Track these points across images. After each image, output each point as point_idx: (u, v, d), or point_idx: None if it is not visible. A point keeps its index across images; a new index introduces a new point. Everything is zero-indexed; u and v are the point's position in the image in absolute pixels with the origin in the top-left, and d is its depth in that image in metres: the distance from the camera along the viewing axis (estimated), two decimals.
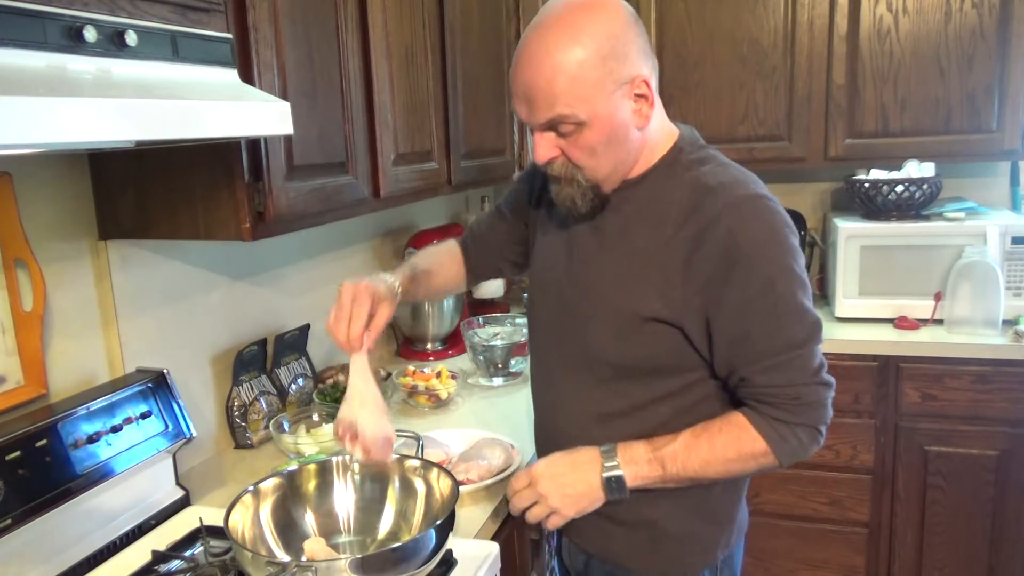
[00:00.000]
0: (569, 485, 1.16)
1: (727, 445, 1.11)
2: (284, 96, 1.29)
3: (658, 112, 1.13)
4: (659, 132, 1.14)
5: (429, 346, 2.31)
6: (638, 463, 1.13)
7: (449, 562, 1.17)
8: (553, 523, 1.19)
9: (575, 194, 1.12)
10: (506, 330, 2.17)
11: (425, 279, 1.38)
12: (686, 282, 1.08)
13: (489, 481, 1.42)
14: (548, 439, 1.28)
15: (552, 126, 1.06)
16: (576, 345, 1.19)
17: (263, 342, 1.74)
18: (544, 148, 1.09)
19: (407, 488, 1.23)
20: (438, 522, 1.05)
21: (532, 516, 1.20)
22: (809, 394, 1.09)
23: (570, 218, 1.19)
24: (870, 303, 2.38)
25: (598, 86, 1.02)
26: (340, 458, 1.25)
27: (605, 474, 1.13)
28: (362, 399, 1.14)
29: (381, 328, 1.18)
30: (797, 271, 1.07)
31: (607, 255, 1.16)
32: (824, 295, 2.77)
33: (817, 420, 1.10)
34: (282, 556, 1.13)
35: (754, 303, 1.06)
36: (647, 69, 1.06)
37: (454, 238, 1.54)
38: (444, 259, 1.48)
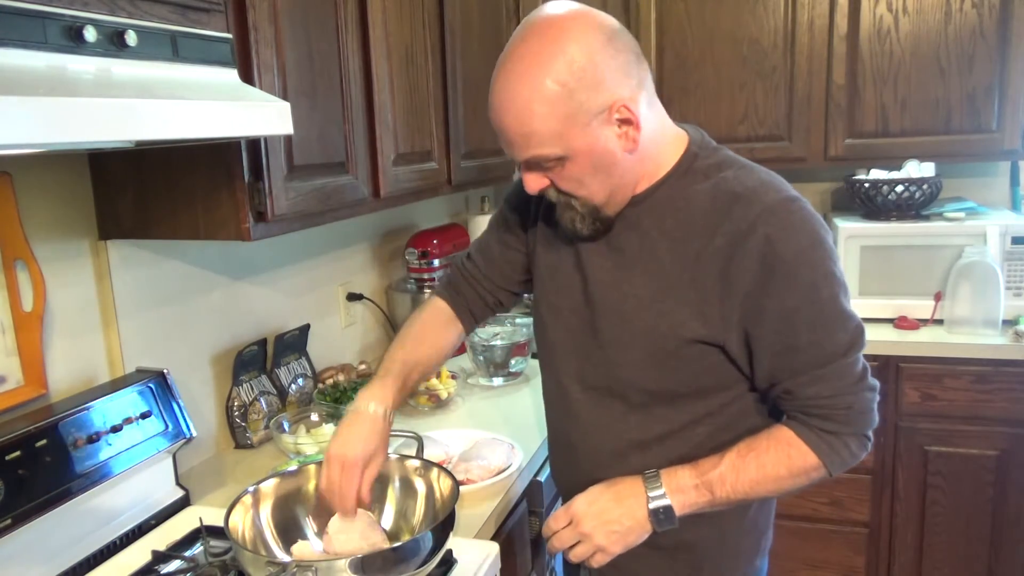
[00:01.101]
0: (615, 521, 1.09)
1: (777, 463, 1.06)
2: (284, 96, 1.29)
3: (656, 121, 1.06)
4: (664, 141, 1.08)
5: None
6: (685, 491, 1.07)
7: (449, 562, 1.17)
8: (598, 561, 1.11)
9: (575, 217, 1.08)
10: (506, 330, 2.17)
11: (419, 370, 1.27)
12: (724, 297, 1.02)
13: (489, 481, 1.42)
14: (574, 469, 1.22)
15: (534, 164, 1.04)
16: (603, 372, 1.14)
17: (263, 342, 1.74)
18: (532, 182, 1.06)
19: (407, 488, 1.23)
20: (438, 522, 1.05)
21: (575, 556, 1.12)
22: (859, 402, 1.05)
23: (576, 239, 1.14)
24: (870, 303, 2.38)
25: (570, 121, 0.97)
26: None
27: (651, 505, 1.07)
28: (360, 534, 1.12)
29: (374, 478, 1.14)
30: (838, 275, 1.03)
31: (630, 275, 1.09)
32: None
33: (866, 426, 1.07)
34: (282, 556, 1.13)
35: (798, 312, 1.01)
36: (628, 90, 0.99)
37: (433, 294, 1.39)
38: (430, 332, 1.33)
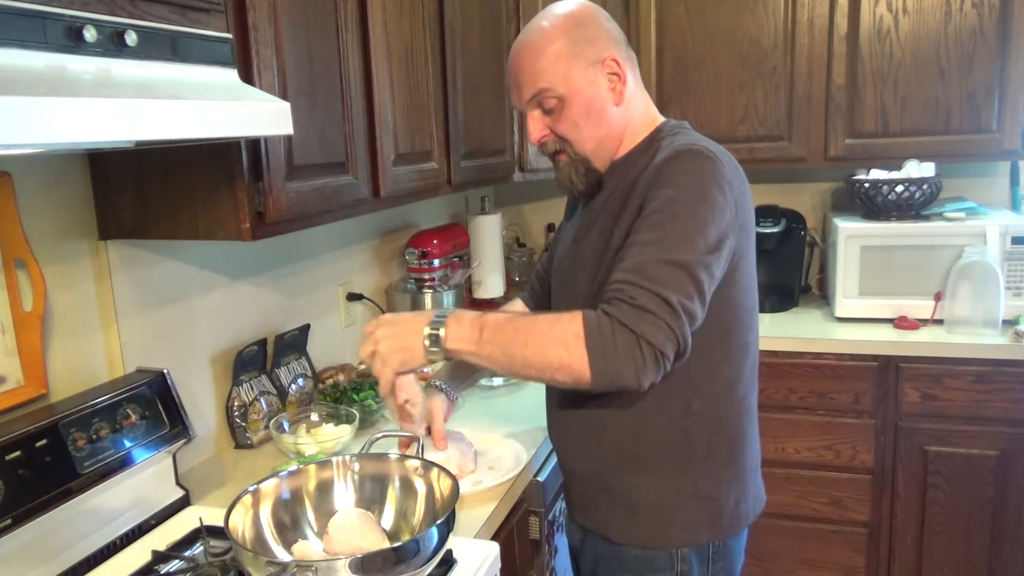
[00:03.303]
0: (400, 333, 1.14)
1: (545, 320, 1.08)
2: (284, 96, 1.29)
3: (640, 99, 1.27)
4: (643, 118, 1.27)
5: None
6: (461, 322, 1.11)
7: (449, 562, 1.18)
8: (379, 372, 1.16)
9: (570, 171, 1.25)
10: None
11: None
12: (621, 227, 1.15)
13: (492, 484, 1.42)
14: (551, 427, 1.39)
15: (538, 103, 1.22)
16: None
17: (263, 342, 1.74)
18: (535, 127, 1.24)
19: (407, 488, 1.23)
20: (438, 522, 1.05)
21: (361, 353, 1.18)
22: (645, 301, 1.02)
23: (575, 200, 1.31)
24: (870, 303, 2.38)
25: (572, 63, 1.19)
26: (340, 458, 1.25)
27: (431, 320, 1.13)
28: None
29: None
30: (709, 199, 1.08)
31: (592, 230, 1.24)
32: (824, 295, 2.77)
33: (643, 329, 1.01)
34: (282, 556, 1.13)
35: (654, 214, 1.09)
36: (619, 53, 1.22)
37: (517, 298, 1.62)
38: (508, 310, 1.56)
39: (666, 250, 1.05)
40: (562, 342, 1.04)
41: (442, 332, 1.11)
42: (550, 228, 3.10)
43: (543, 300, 1.54)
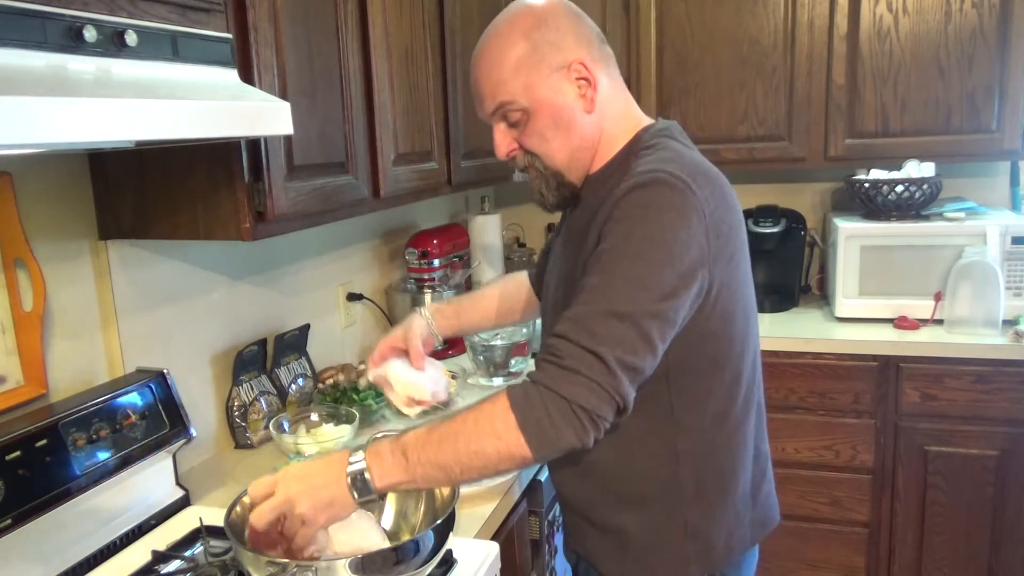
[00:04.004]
0: (315, 488, 0.98)
1: (468, 417, 0.97)
2: (284, 96, 1.29)
3: (618, 102, 1.16)
4: (622, 123, 1.16)
5: None
6: (382, 455, 0.98)
7: (449, 562, 1.17)
8: (303, 535, 0.99)
9: (541, 185, 1.17)
10: (506, 330, 2.17)
11: (474, 303, 1.53)
12: (582, 255, 1.08)
13: (492, 483, 1.42)
14: None
15: (502, 116, 1.13)
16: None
17: (263, 342, 1.74)
18: (501, 141, 1.15)
19: None
20: (438, 522, 1.05)
21: (259, 521, 0.98)
22: (576, 359, 0.94)
23: (546, 210, 1.24)
24: (870, 303, 2.38)
25: (534, 71, 1.09)
26: None
27: (349, 468, 0.98)
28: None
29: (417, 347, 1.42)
30: (664, 248, 0.97)
31: (568, 250, 1.18)
32: (824, 295, 2.77)
33: (571, 392, 0.93)
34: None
35: (603, 255, 1.00)
36: (589, 56, 1.10)
37: (525, 271, 1.59)
38: (499, 283, 1.57)
39: (610, 300, 0.96)
40: (492, 432, 0.95)
41: (367, 476, 0.98)
42: (550, 228, 3.10)
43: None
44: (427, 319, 1.47)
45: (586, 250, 1.07)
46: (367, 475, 0.98)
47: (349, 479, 0.98)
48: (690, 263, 0.99)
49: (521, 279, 1.57)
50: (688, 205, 1.00)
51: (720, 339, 1.10)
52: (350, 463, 0.98)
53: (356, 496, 0.98)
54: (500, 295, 1.55)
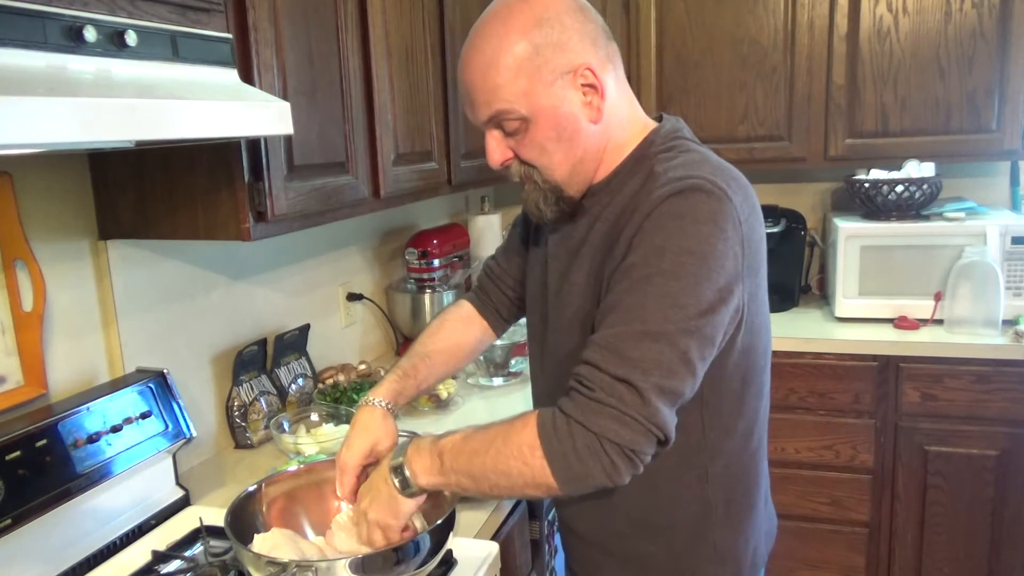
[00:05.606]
0: (375, 497, 1.04)
1: (499, 433, 0.94)
2: (284, 96, 1.29)
3: (624, 105, 1.05)
4: (628, 128, 1.05)
5: None
6: (421, 453, 1.00)
7: (449, 562, 1.17)
8: (387, 540, 1.04)
9: (538, 198, 1.05)
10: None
11: (428, 364, 1.28)
12: (607, 267, 0.99)
13: None
14: None
15: (497, 124, 1.01)
16: (552, 360, 1.13)
17: (263, 342, 1.74)
18: (495, 150, 1.03)
19: None
20: (438, 522, 1.05)
21: (369, 541, 1.06)
22: (605, 390, 0.87)
23: (543, 227, 1.13)
24: (870, 303, 2.38)
25: (535, 76, 0.96)
26: None
27: (391, 463, 1.02)
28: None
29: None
30: (702, 262, 0.90)
31: (573, 262, 1.07)
32: (824, 295, 2.77)
33: (601, 427, 0.86)
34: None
35: (633, 270, 0.92)
36: (596, 58, 0.98)
37: (462, 298, 1.43)
38: (447, 327, 1.35)
39: (643, 320, 0.88)
40: (519, 456, 0.90)
41: (407, 472, 1.00)
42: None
43: (495, 305, 1.38)
44: (385, 408, 1.21)
45: (612, 262, 0.97)
46: (407, 471, 1.00)
47: (391, 471, 1.02)
48: (727, 277, 0.92)
49: (465, 313, 1.39)
50: (724, 214, 0.92)
51: (749, 354, 1.04)
52: (393, 460, 1.02)
53: (400, 489, 1.01)
54: (451, 346, 1.34)
